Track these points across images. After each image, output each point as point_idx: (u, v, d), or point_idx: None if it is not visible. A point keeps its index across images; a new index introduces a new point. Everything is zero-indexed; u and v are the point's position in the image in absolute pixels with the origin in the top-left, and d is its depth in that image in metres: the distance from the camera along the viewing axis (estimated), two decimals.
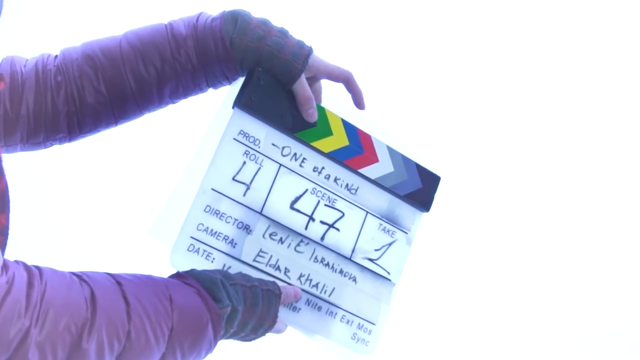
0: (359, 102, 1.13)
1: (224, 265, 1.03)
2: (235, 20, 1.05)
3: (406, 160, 1.16)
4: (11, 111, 1.03)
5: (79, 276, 0.86)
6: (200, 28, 1.05)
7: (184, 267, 1.00)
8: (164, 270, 0.98)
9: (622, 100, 3.25)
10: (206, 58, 1.05)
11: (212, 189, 1.03)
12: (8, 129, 1.03)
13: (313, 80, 1.10)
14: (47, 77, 1.05)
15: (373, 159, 1.14)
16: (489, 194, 2.96)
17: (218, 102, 1.06)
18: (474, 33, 3.17)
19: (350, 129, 1.13)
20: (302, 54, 1.05)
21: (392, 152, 1.15)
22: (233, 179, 1.05)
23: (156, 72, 1.06)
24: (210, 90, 1.12)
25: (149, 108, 1.10)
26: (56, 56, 1.08)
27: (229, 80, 1.09)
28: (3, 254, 0.80)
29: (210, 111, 1.06)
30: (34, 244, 2.29)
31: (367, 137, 1.14)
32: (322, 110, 1.10)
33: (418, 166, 1.17)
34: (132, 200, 2.50)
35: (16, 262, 0.82)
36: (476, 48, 3.14)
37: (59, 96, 1.05)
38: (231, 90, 1.08)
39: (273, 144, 1.08)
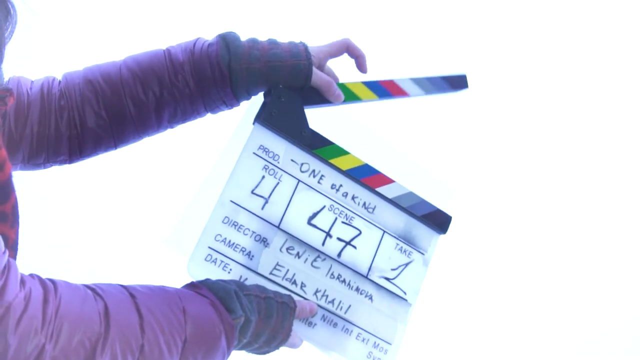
0: (361, 65, 1.16)
1: (241, 277, 1.04)
2: (227, 46, 1.07)
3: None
4: (16, 131, 1.05)
5: (93, 289, 0.87)
6: (197, 54, 1.08)
7: (201, 276, 1.01)
8: (178, 279, 0.99)
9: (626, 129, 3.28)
10: (203, 83, 1.08)
11: (231, 201, 1.05)
12: (11, 148, 1.04)
13: (321, 69, 1.13)
14: (52, 101, 1.08)
15: (389, 179, 1.16)
16: (506, 217, 2.95)
17: (236, 116, 1.09)
18: (486, 54, 3.23)
19: (373, 85, 1.15)
20: (301, 51, 1.08)
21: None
22: (252, 192, 1.07)
23: (155, 97, 1.09)
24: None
25: (148, 132, 1.13)
26: (60, 80, 1.11)
27: (227, 105, 1.11)
28: None
29: (229, 125, 1.09)
30: (48, 253, 2.30)
31: (395, 85, 1.16)
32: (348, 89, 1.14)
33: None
34: (146, 210, 2.52)
35: (31, 276, 0.83)
36: (488, 67, 3.18)
37: (63, 120, 1.08)
38: (251, 105, 1.11)
39: (292, 160, 1.10)
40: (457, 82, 1.21)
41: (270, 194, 1.08)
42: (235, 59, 1.07)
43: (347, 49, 1.14)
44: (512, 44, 3.28)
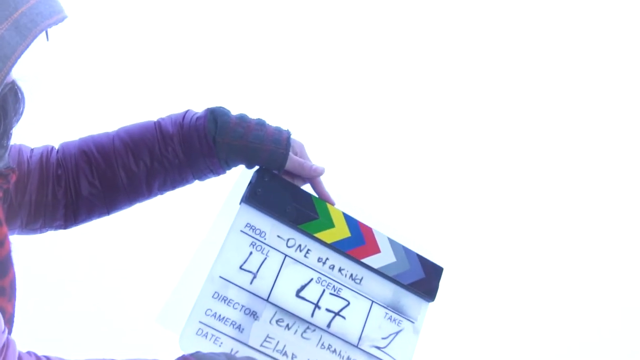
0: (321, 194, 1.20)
1: (232, 350, 1.07)
2: (215, 120, 1.15)
3: (407, 251, 1.22)
4: (15, 199, 1.12)
5: None
6: (186, 127, 1.16)
7: (193, 350, 1.04)
8: (170, 352, 1.02)
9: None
10: (191, 154, 1.16)
11: (220, 277, 1.10)
12: (11, 215, 1.11)
13: (300, 155, 1.20)
14: (50, 170, 1.16)
15: (375, 249, 1.20)
16: (494, 283, 2.92)
17: (221, 193, 1.16)
18: (470, 117, 3.30)
19: (351, 221, 1.20)
20: (283, 138, 1.15)
21: (393, 243, 1.21)
22: (240, 267, 1.12)
23: (146, 167, 1.16)
24: (216, 184, 1.21)
25: (139, 199, 1.20)
26: (57, 150, 1.19)
27: (214, 173, 1.19)
28: None
29: (216, 203, 1.15)
30: (42, 330, 2.32)
31: (368, 229, 1.20)
32: (323, 204, 1.19)
33: (420, 257, 1.22)
34: (136, 285, 2.54)
35: (28, 353, 0.88)
36: (472, 137, 3.24)
37: (60, 188, 1.16)
38: (237, 184, 1.17)
39: (278, 236, 1.15)
40: (431, 272, 1.21)
41: (259, 269, 1.12)
42: (220, 133, 1.14)
43: (313, 183, 1.20)
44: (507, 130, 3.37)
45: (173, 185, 1.21)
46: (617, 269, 3.08)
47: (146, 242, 2.53)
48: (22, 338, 0.95)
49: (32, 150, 1.19)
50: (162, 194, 1.22)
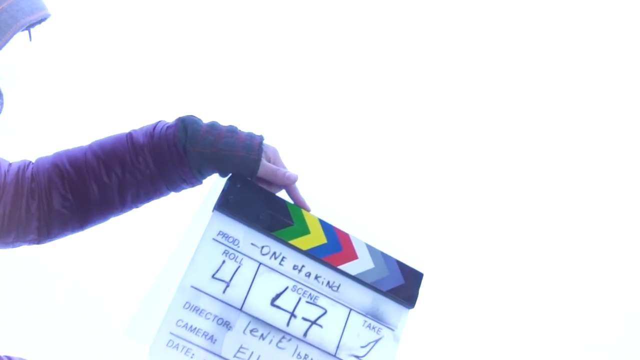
0: (296, 200, 1.17)
1: None
2: (185, 128, 1.14)
3: (386, 257, 1.19)
4: None
5: None
6: (156, 137, 1.15)
7: None
8: None
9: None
10: (163, 164, 1.14)
11: (192, 287, 1.07)
12: None
13: (274, 162, 1.17)
14: (25, 184, 1.15)
15: (352, 256, 1.17)
16: (476, 288, 2.89)
17: (195, 202, 1.13)
18: (453, 123, 3.28)
19: (327, 227, 1.17)
20: (254, 144, 1.13)
21: (371, 249, 1.18)
22: (213, 277, 1.09)
23: (117, 179, 1.15)
24: (189, 191, 1.19)
25: (112, 212, 1.18)
26: (33, 164, 1.19)
27: (188, 183, 1.17)
28: None
29: (187, 211, 1.13)
30: (30, 337, 2.29)
31: (345, 235, 1.18)
32: (298, 211, 1.16)
33: (399, 263, 1.19)
34: (106, 297, 2.52)
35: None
36: (451, 139, 3.22)
37: (33, 201, 1.15)
38: (210, 191, 1.15)
39: (252, 244, 1.13)
40: (411, 278, 1.18)
41: (232, 278, 1.10)
42: (191, 142, 1.13)
43: (288, 189, 1.17)
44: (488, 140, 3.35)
45: (147, 197, 1.19)
46: (609, 272, 3.05)
47: (119, 251, 2.51)
48: (10, 345, 0.93)
49: (9, 164, 1.19)
50: (137, 206, 1.21)
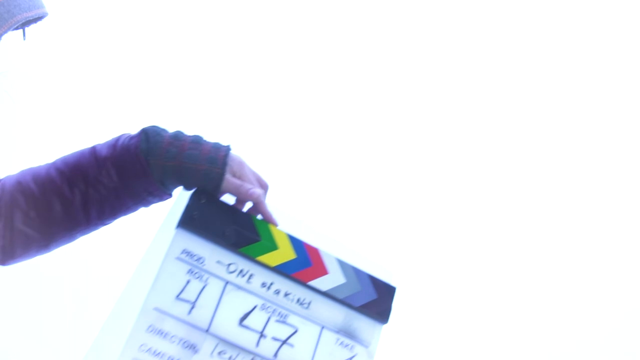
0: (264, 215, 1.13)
1: None
2: (147, 139, 1.10)
3: (358, 272, 1.15)
4: None
5: None
6: (119, 149, 1.11)
7: None
8: None
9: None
10: (126, 177, 1.10)
11: (155, 308, 1.02)
12: None
13: (240, 177, 1.12)
14: None
15: (322, 271, 1.13)
16: (450, 301, 2.87)
17: (159, 219, 1.08)
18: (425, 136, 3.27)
19: (296, 242, 1.13)
20: (219, 156, 1.09)
21: (342, 264, 1.14)
22: (177, 297, 1.04)
23: (81, 194, 1.10)
24: (151, 207, 1.14)
25: (78, 230, 1.13)
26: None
27: (155, 196, 1.12)
28: None
29: (149, 229, 1.08)
30: None
31: (315, 250, 1.13)
32: (265, 226, 1.12)
33: (371, 277, 1.16)
34: (66, 322, 2.45)
35: None
36: (424, 153, 3.21)
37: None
38: (173, 207, 1.10)
39: (218, 261, 1.08)
40: (383, 292, 1.14)
41: (197, 298, 1.05)
42: (153, 153, 1.08)
43: (256, 205, 1.12)
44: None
45: (114, 213, 1.14)
46: (592, 287, 3.06)
47: (77, 272, 2.44)
48: None
49: None
50: (104, 223, 1.16)
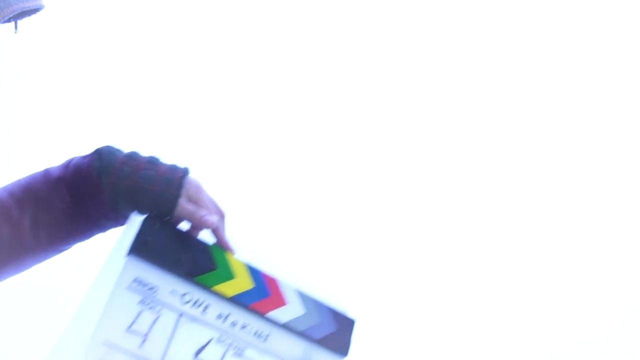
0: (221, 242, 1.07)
1: None
2: (100, 157, 1.04)
3: (317, 303, 1.11)
4: None
5: None
6: (71, 168, 1.05)
7: None
8: None
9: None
10: (78, 197, 1.04)
11: (104, 342, 0.94)
12: None
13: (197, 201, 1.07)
14: None
15: (280, 302, 1.08)
16: (411, 332, 2.85)
17: (109, 245, 1.01)
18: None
19: (254, 272, 1.08)
20: (175, 178, 1.03)
21: (300, 294, 1.10)
22: (127, 330, 0.97)
23: (30, 217, 1.03)
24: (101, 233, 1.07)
25: (28, 256, 1.05)
26: None
27: (110, 220, 1.06)
28: None
29: (98, 256, 1.01)
30: None
31: (273, 280, 1.09)
32: (221, 253, 1.06)
33: (330, 309, 1.12)
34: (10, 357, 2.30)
35: None
36: (388, 174, 3.21)
37: None
38: (124, 233, 1.03)
39: (172, 291, 1.01)
40: (343, 324, 1.10)
41: (149, 330, 0.98)
42: (106, 172, 1.03)
43: (212, 232, 1.06)
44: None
45: (67, 237, 1.07)
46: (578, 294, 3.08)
47: (22, 301, 2.30)
48: None
49: None
50: (57, 249, 1.08)
